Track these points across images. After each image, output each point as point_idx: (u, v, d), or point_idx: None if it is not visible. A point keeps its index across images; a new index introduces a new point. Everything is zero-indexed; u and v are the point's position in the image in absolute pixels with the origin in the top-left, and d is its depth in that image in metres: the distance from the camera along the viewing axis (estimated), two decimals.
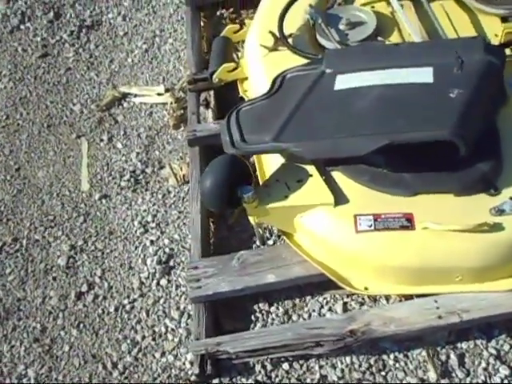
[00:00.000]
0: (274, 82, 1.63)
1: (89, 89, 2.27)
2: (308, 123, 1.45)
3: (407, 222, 1.36)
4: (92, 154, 2.05)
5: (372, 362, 1.44)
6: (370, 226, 1.37)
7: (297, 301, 1.58)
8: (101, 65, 2.34)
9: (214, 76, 1.92)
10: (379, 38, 1.78)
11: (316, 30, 1.83)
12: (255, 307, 1.58)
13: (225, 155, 1.46)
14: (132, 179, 1.94)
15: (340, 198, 1.42)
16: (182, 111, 2.09)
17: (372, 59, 1.56)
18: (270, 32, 1.82)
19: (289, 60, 1.74)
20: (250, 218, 1.49)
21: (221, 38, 2.03)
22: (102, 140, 2.08)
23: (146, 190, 1.91)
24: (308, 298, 1.58)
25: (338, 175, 1.46)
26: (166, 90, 2.17)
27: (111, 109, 2.18)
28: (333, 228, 1.41)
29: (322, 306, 1.56)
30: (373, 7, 1.90)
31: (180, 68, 2.25)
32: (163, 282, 1.67)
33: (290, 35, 1.82)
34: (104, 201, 1.91)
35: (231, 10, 2.34)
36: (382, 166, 1.43)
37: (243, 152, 1.45)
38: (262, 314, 1.56)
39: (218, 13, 2.35)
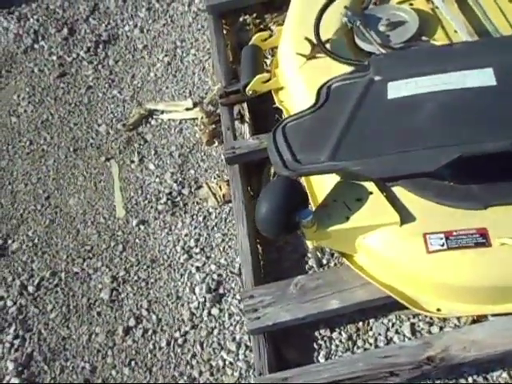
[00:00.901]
0: (318, 92, 1.54)
1: (113, 107, 2.18)
2: (365, 138, 1.36)
3: (482, 239, 1.27)
4: (124, 177, 1.96)
5: None
6: (443, 246, 1.28)
7: (360, 324, 1.49)
8: (122, 81, 2.25)
9: (248, 88, 1.83)
10: (423, 38, 1.69)
11: (355, 34, 1.73)
12: (316, 334, 1.49)
13: (278, 179, 1.37)
14: (169, 202, 1.85)
15: (405, 216, 1.33)
16: (214, 126, 2.00)
17: (424, 63, 1.47)
18: (306, 39, 1.73)
19: (329, 68, 1.65)
20: (308, 243, 1.40)
21: (250, 46, 1.94)
22: (132, 161, 2.00)
23: (185, 212, 1.82)
24: (372, 320, 1.49)
25: (399, 191, 1.37)
26: (194, 105, 2.08)
27: (139, 128, 2.09)
28: (401, 249, 1.32)
29: (387, 329, 1.47)
30: (411, 4, 1.80)
31: (206, 80, 2.16)
32: (215, 311, 1.59)
33: (328, 41, 1.73)
34: (142, 227, 1.82)
35: (254, 15, 2.24)
36: (449, 178, 1.33)
37: (297, 174, 1.37)
38: (325, 341, 1.48)
39: (241, 19, 2.25)
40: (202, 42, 2.29)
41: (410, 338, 1.43)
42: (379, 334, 1.47)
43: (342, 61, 1.63)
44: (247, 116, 1.87)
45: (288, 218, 1.31)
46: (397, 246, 1.33)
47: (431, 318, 1.46)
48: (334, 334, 1.48)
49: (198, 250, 1.72)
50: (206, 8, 2.21)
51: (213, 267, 1.67)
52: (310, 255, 1.62)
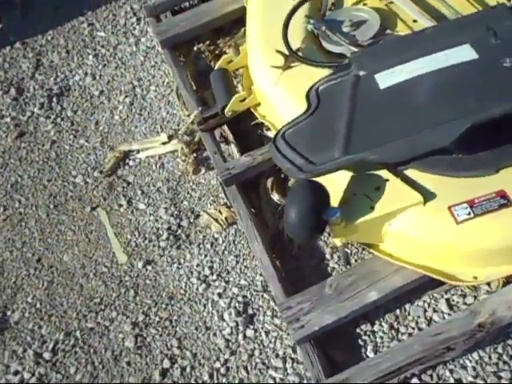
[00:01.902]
0: (308, 98, 1.57)
1: (84, 157, 2.11)
2: (373, 128, 1.39)
3: (504, 200, 1.33)
4: (115, 223, 1.90)
5: (500, 350, 1.39)
6: (469, 214, 1.33)
7: (397, 312, 1.50)
8: (87, 129, 2.20)
9: (227, 109, 1.84)
10: (388, 32, 1.76)
11: (321, 39, 1.79)
12: (358, 330, 1.49)
13: (298, 182, 1.38)
14: (171, 237, 1.81)
15: (426, 195, 1.37)
16: (195, 154, 1.98)
17: (402, 51, 1.54)
18: (278, 51, 1.76)
19: (307, 74, 1.69)
20: (336, 240, 1.41)
21: (218, 70, 1.95)
22: (120, 205, 1.94)
23: (191, 243, 1.78)
24: (407, 305, 1.51)
25: (413, 173, 1.41)
26: (170, 138, 2.06)
27: (117, 171, 2.04)
28: (430, 226, 1.36)
29: (425, 310, 1.50)
30: (365, 4, 1.88)
31: (174, 112, 2.14)
32: (249, 332, 1.56)
33: (298, 50, 1.77)
34: (149, 267, 1.77)
35: (207, 42, 2.26)
36: (456, 151, 1.39)
37: (315, 174, 1.38)
38: (369, 336, 1.48)
39: (195, 48, 2.26)
40: (159, 78, 2.27)
41: (449, 314, 1.46)
42: (418, 317, 1.49)
43: (320, 65, 1.67)
44: (231, 137, 1.88)
45: (318, 218, 1.32)
46: (425, 225, 1.36)
47: (462, 290, 1.50)
48: (376, 327, 1.49)
49: (214, 277, 1.69)
50: (159, 43, 2.21)
51: (235, 290, 1.65)
52: (329, 257, 1.63)
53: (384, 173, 1.41)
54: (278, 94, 1.73)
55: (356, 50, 1.70)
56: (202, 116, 1.91)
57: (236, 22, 2.26)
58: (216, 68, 1.95)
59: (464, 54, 1.45)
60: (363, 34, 1.76)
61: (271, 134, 1.91)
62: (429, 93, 1.39)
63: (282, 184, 1.80)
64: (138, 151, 2.07)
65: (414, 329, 1.47)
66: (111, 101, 2.26)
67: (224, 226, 1.78)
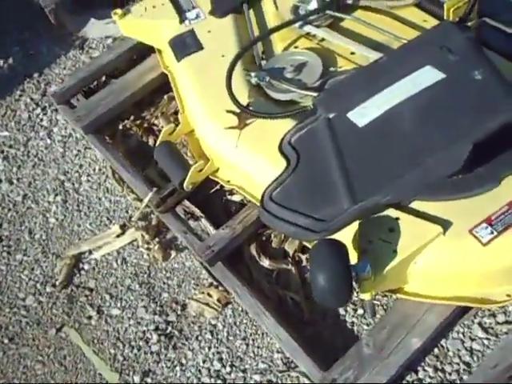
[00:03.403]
0: (283, 153, 1.47)
1: (28, 274, 1.85)
2: (372, 169, 1.32)
3: None
4: (90, 339, 1.67)
5: None
6: (492, 233, 1.28)
7: (436, 351, 1.42)
8: (21, 242, 1.94)
9: (186, 183, 1.69)
10: (331, 69, 1.72)
11: (267, 89, 1.71)
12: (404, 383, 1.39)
13: (316, 245, 1.26)
14: (162, 337, 1.61)
15: (442, 224, 1.31)
16: (158, 239, 1.80)
17: (365, 85, 1.49)
18: (229, 111, 1.65)
19: (267, 128, 1.60)
20: (366, 295, 1.30)
21: (162, 145, 1.79)
22: (90, 317, 1.71)
23: (187, 338, 1.59)
24: (443, 341, 1.43)
25: (419, 204, 1.35)
26: (122, 228, 1.86)
27: (73, 280, 1.80)
28: (457, 255, 1.30)
29: (462, 341, 1.43)
30: (296, 47, 1.84)
31: (117, 199, 1.95)
32: None
33: (248, 105, 1.67)
34: (148, 379, 1.55)
35: (132, 117, 2.11)
36: (456, 172, 1.35)
37: (331, 232, 1.27)
38: None
39: (120, 126, 2.09)
40: (88, 166, 2.07)
41: (487, 338, 1.40)
42: (458, 350, 1.42)
43: (280, 115, 1.58)
44: (197, 211, 1.73)
45: (349, 278, 1.21)
46: (452, 255, 1.30)
47: (489, 310, 1.45)
48: (420, 374, 1.40)
49: (228, 369, 1.51)
50: (81, 128, 2.02)
51: (256, 378, 1.48)
52: (342, 312, 1.52)
53: (391, 212, 1.33)
54: (242, 155, 1.61)
55: (306, 93, 1.64)
56: (159, 196, 1.74)
57: (156, 91, 2.14)
58: (158, 143, 1.78)
59: (430, 75, 1.43)
60: (309, 76, 1.70)
61: (237, 198, 1.79)
62: (414, 120, 1.35)
63: (266, 247, 1.68)
64: (91, 251, 1.85)
65: (458, 364, 1.39)
66: (40, 203, 2.01)
67: (219, 309, 1.61)
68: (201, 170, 1.71)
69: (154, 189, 1.77)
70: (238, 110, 1.65)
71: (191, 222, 1.71)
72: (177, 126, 1.80)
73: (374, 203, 1.26)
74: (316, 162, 1.40)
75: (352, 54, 1.75)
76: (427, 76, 1.43)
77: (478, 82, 1.36)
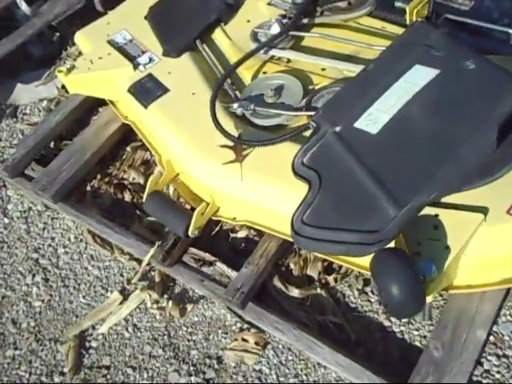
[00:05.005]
0: (299, 175, 1.43)
1: (25, 368, 1.65)
2: (404, 173, 1.30)
3: None
4: None
5: None
6: None
7: (491, 338, 1.42)
8: (6, 336, 1.73)
9: (191, 230, 1.59)
10: (310, 87, 1.72)
11: (252, 118, 1.67)
12: (475, 378, 1.37)
13: (378, 259, 1.22)
14: None
15: (481, 211, 1.32)
16: (167, 295, 1.68)
17: (360, 94, 1.49)
18: (223, 146, 1.60)
19: (268, 155, 1.56)
20: (430, 297, 1.27)
21: (153, 196, 1.67)
22: None
23: None
24: (494, 327, 1.44)
25: (448, 198, 1.36)
26: (122, 292, 1.72)
27: (83, 362, 1.63)
28: (501, 237, 1.32)
29: None
30: (265, 73, 1.82)
31: (107, 264, 1.81)
32: None
33: (240, 136, 1.62)
34: None
35: (98, 176, 1.98)
36: None
37: (387, 240, 1.23)
38: (487, 377, 1.38)
39: (88, 188, 1.95)
40: (61, 238, 1.90)
41: None
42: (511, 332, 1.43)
43: (282, 139, 1.54)
44: (208, 256, 1.63)
45: (421, 284, 1.18)
46: (496, 238, 1.31)
47: None
48: (486, 365, 1.39)
49: None
50: (49, 199, 1.85)
51: None
52: (387, 324, 1.49)
53: (428, 210, 1.33)
54: (249, 187, 1.55)
55: (296, 114, 1.63)
56: (165, 251, 1.63)
57: (117, 144, 2.03)
58: (147, 195, 1.67)
59: (423, 73, 1.46)
60: (291, 98, 1.69)
61: (242, 234, 1.72)
62: (428, 117, 1.36)
63: (289, 277, 1.62)
64: (94, 327, 1.68)
65: None
66: (17, 289, 1.82)
67: (260, 352, 1.52)
68: (204, 213, 1.62)
69: (157, 242, 1.65)
70: (231, 144, 1.59)
71: (205, 269, 1.61)
72: (161, 174, 1.70)
73: (419, 204, 1.25)
74: (340, 176, 1.37)
75: (323, 69, 1.76)
76: (421, 74, 1.46)
77: (474, 71, 1.40)
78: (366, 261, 1.30)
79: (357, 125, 1.44)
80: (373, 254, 1.24)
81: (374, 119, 1.43)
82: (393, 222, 1.24)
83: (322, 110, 1.51)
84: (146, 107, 1.78)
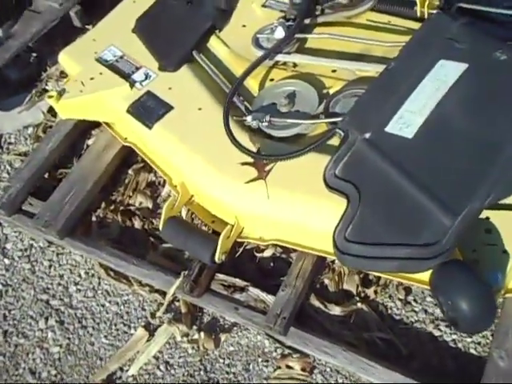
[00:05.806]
0: (334, 189, 1.34)
1: None
2: (452, 178, 1.22)
3: None
4: None
5: None
6: None
7: None
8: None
9: (218, 255, 1.49)
10: (324, 92, 1.64)
11: (268, 130, 1.58)
12: None
13: (441, 271, 1.15)
14: None
15: None
16: (196, 326, 1.59)
17: (386, 96, 1.41)
18: (244, 163, 1.50)
19: (291, 169, 1.47)
20: None
21: (171, 222, 1.56)
22: None
23: None
24: None
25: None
26: (147, 328, 1.61)
27: None
28: None
29: None
30: (272, 80, 1.73)
31: (126, 299, 1.69)
32: None
33: (259, 151, 1.53)
34: None
35: (103, 205, 1.86)
36: None
37: (448, 252, 1.15)
38: None
39: (94, 218, 1.83)
40: (70, 274, 1.78)
41: None
42: None
43: (308, 150, 1.45)
44: (239, 281, 1.54)
45: (492, 294, 1.12)
46: None
47: None
48: None
49: None
50: (55, 236, 1.72)
51: None
52: (439, 332, 1.42)
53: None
54: (278, 204, 1.46)
55: (315, 122, 1.54)
56: (191, 281, 1.52)
57: (118, 168, 1.91)
58: (163, 222, 1.56)
59: (450, 68, 1.39)
60: (307, 105, 1.60)
61: (268, 253, 1.63)
62: (467, 115, 1.29)
63: (325, 294, 1.53)
64: (122, 369, 1.57)
65: None
66: (30, 335, 1.69)
67: (307, 379, 1.43)
68: (228, 236, 1.52)
69: (183, 273, 1.54)
70: (251, 160, 1.50)
71: (237, 295, 1.51)
72: (175, 198, 1.60)
73: (475, 210, 1.17)
74: (380, 187, 1.29)
75: (333, 71, 1.68)
76: (448, 70, 1.39)
77: (507, 61, 1.34)
78: (423, 275, 1.22)
79: (388, 129, 1.36)
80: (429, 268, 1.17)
81: (406, 122, 1.35)
82: (450, 233, 1.16)
83: (348, 115, 1.42)
84: (150, 128, 1.67)
